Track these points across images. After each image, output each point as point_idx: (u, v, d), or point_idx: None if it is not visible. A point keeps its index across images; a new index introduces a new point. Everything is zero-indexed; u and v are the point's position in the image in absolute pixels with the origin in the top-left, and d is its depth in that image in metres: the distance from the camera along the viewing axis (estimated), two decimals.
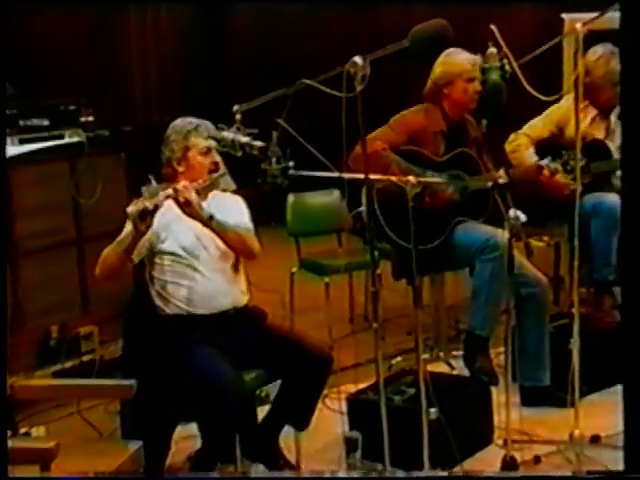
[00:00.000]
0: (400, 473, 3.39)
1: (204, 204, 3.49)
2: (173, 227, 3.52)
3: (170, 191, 3.38)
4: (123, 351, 3.84)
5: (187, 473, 3.61)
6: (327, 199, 5.41)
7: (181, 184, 3.42)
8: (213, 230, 3.48)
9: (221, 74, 8.54)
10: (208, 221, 3.45)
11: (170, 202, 3.46)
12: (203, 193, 3.52)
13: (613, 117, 4.74)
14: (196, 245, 3.55)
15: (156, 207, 3.36)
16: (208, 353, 3.43)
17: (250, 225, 3.65)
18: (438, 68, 4.41)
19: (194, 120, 3.62)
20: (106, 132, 4.79)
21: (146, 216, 3.35)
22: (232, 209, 3.66)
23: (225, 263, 3.59)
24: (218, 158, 3.62)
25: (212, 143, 3.54)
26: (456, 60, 4.36)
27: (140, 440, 3.05)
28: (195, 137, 3.59)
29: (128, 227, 3.44)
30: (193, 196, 3.40)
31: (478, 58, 4.16)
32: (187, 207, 3.40)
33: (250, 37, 8.52)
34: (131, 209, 3.34)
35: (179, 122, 3.66)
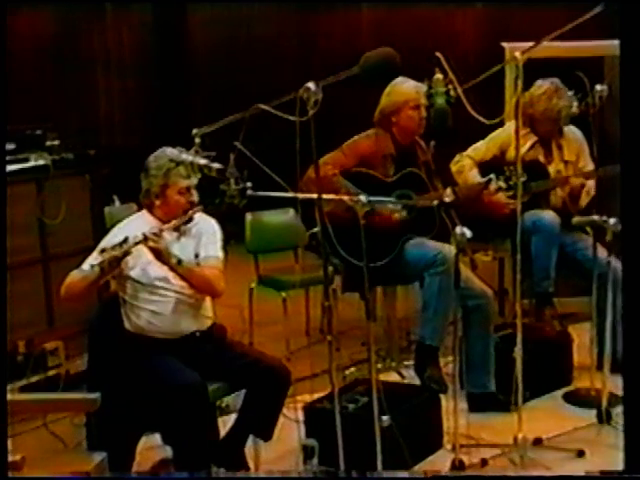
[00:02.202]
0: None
1: (175, 243, 3.48)
2: (142, 256, 3.44)
3: (140, 238, 3.34)
4: (88, 365, 3.80)
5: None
6: (283, 218, 5.41)
7: (150, 232, 3.37)
8: (179, 274, 3.45)
9: (182, 99, 8.53)
10: (176, 265, 3.42)
11: (140, 228, 3.44)
12: (177, 229, 3.51)
13: (553, 145, 4.81)
14: (164, 275, 3.51)
15: (125, 254, 3.33)
16: (170, 360, 3.43)
17: (220, 254, 3.60)
18: (385, 98, 4.46)
19: (176, 156, 3.40)
20: (71, 155, 4.76)
21: (115, 263, 3.33)
22: (206, 236, 3.61)
23: (192, 290, 3.55)
24: (196, 197, 3.55)
25: (192, 182, 3.50)
26: (401, 89, 4.40)
27: (105, 451, 3.02)
28: (175, 176, 3.50)
29: (94, 265, 3.35)
30: (162, 245, 3.37)
31: (423, 86, 4.19)
32: (156, 253, 3.38)
33: (210, 63, 8.53)
34: (103, 258, 3.30)
35: (162, 156, 3.53)
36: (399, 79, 4.38)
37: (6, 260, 2.80)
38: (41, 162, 4.61)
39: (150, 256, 3.42)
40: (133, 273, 3.49)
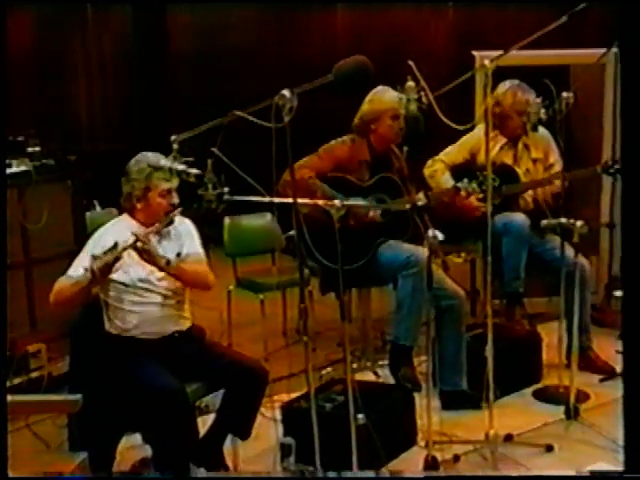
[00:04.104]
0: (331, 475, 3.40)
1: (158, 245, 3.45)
2: (126, 259, 3.39)
3: (131, 241, 3.30)
4: (70, 367, 3.78)
5: None
6: (261, 221, 5.41)
7: (140, 233, 3.33)
8: (170, 273, 3.43)
9: (162, 105, 8.51)
10: (165, 266, 3.40)
11: (124, 231, 3.42)
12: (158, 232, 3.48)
13: (520, 145, 4.84)
14: (147, 277, 3.49)
15: (117, 259, 3.29)
16: (151, 365, 3.41)
17: (201, 250, 3.59)
18: (366, 105, 4.46)
19: (157, 160, 3.38)
20: (52, 161, 4.73)
21: (107, 269, 3.29)
22: (185, 236, 3.60)
23: (173, 292, 3.55)
24: (176, 200, 3.53)
25: (173, 185, 3.48)
26: (383, 98, 4.40)
27: (86, 451, 3.01)
28: (157, 179, 3.48)
29: (87, 269, 3.30)
30: (152, 247, 3.35)
31: (403, 97, 4.20)
32: (146, 255, 3.35)
33: (189, 69, 8.52)
34: (96, 265, 3.24)
35: (143, 160, 3.51)
36: (380, 88, 4.40)
37: (6, 260, 2.76)
38: (23, 168, 4.58)
39: (134, 257, 3.39)
40: (116, 276, 3.46)
